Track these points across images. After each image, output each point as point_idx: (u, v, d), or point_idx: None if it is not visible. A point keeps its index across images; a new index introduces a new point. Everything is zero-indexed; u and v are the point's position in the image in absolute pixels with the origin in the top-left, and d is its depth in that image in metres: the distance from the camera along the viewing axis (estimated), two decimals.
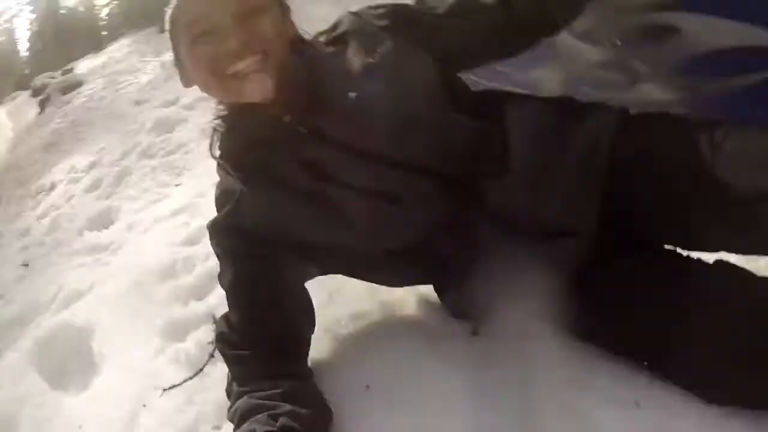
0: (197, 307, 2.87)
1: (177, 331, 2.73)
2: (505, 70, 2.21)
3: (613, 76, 2.06)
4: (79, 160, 8.55)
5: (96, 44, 22.66)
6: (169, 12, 1.76)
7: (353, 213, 1.74)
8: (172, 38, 1.79)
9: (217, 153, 1.86)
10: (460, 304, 1.96)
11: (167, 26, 1.80)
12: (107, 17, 28.87)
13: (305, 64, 1.78)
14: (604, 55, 2.06)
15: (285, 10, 1.79)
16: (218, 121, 1.85)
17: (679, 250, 1.70)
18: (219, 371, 2.23)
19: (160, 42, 13.50)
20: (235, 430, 1.64)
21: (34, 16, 34.74)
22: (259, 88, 1.66)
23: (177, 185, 5.55)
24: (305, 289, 1.93)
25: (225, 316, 1.87)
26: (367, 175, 1.71)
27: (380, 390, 1.82)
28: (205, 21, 1.65)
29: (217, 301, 2.71)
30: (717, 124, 1.61)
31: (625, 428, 1.54)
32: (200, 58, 1.68)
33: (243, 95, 1.68)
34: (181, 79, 1.84)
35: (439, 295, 2.03)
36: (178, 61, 1.82)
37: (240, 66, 1.64)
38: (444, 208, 1.76)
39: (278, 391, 1.68)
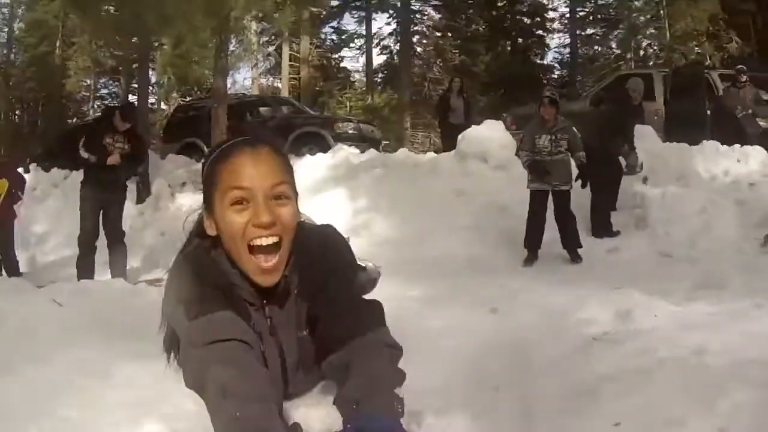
0: None
1: None
2: None
3: None
4: None
5: None
6: (209, 160, 2.21)
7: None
8: (206, 185, 2.21)
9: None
10: None
11: (204, 170, 2.23)
12: None
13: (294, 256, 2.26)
14: None
15: (297, 197, 2.24)
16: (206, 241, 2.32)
17: None
18: None
19: None
20: None
21: None
22: (271, 280, 2.17)
23: None
24: None
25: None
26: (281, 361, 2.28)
27: None
28: (245, 192, 2.09)
29: None
30: None
31: None
32: (234, 221, 2.10)
33: (256, 277, 2.17)
34: (206, 225, 2.25)
35: None
36: (207, 207, 2.23)
37: (263, 241, 2.10)
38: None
39: None
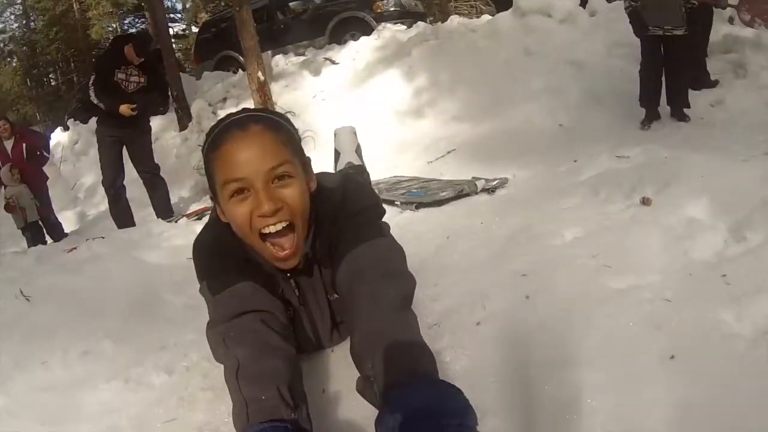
0: None
1: None
2: None
3: None
4: None
5: None
6: (204, 149, 2.08)
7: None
8: (208, 176, 2.08)
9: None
10: None
11: (201, 163, 2.15)
12: None
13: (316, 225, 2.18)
14: None
15: (307, 166, 2.13)
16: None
17: None
18: None
19: None
20: None
21: None
22: (290, 264, 2.11)
23: None
24: None
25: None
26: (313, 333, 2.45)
27: None
28: (241, 182, 1.96)
29: None
30: None
31: None
32: (236, 214, 2.00)
33: (280, 262, 2.10)
34: (218, 212, 2.13)
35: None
36: (214, 196, 2.10)
37: (271, 229, 2.00)
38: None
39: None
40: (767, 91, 8.45)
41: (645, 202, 3.33)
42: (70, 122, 17.37)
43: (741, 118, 7.61)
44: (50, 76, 41.42)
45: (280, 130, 2.06)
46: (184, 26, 39.08)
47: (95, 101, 8.16)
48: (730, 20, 9.90)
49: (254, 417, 1.80)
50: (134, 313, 3.53)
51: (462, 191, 5.33)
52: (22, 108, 39.43)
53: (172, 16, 38.30)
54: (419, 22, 13.69)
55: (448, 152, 8.17)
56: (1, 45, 41.74)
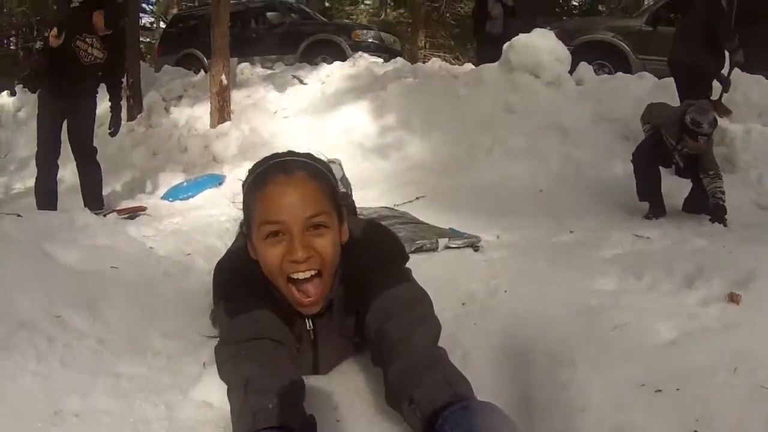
0: None
1: None
2: None
3: None
4: None
5: None
6: (246, 185, 2.14)
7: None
8: (246, 212, 2.14)
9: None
10: None
11: (242, 197, 2.16)
12: None
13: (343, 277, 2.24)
14: None
15: (342, 216, 2.17)
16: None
17: None
18: None
19: None
20: None
21: None
22: (312, 311, 2.17)
23: None
24: None
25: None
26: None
27: None
28: (278, 226, 2.02)
29: None
30: None
31: None
32: (268, 255, 2.05)
33: (303, 307, 2.15)
34: (249, 248, 2.17)
35: None
36: (248, 232, 2.15)
37: (300, 275, 2.05)
38: None
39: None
40: (753, 190, 8.13)
41: (734, 299, 2.66)
42: (18, 88, 16.61)
43: (736, 214, 7.04)
44: (11, 39, 40.36)
45: (322, 179, 2.12)
46: (153, 20, 38.44)
47: (38, 45, 7.42)
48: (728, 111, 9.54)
49: (261, 422, 1.76)
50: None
51: (423, 246, 4.77)
52: None
53: (143, 5, 37.91)
54: (398, 58, 13.33)
55: (417, 198, 7.54)
56: None
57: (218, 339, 2.21)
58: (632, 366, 1.99)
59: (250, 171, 2.18)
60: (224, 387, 1.98)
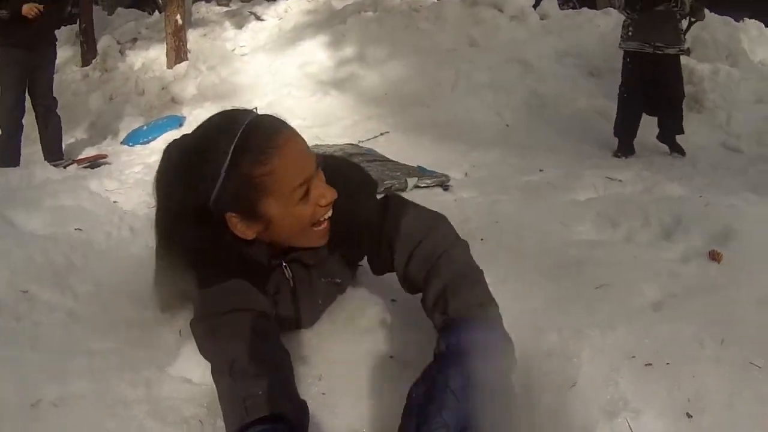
0: None
1: None
2: None
3: None
4: None
5: None
6: (238, 168, 1.84)
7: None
8: (243, 191, 1.86)
9: None
10: None
11: (231, 179, 1.87)
12: None
13: None
14: None
15: None
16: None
17: None
18: None
19: None
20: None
21: None
22: (324, 240, 2.05)
23: None
24: None
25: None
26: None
27: None
28: (307, 183, 1.88)
29: None
30: None
31: None
32: (305, 215, 1.91)
33: (317, 243, 2.04)
34: (240, 228, 1.92)
35: None
36: (244, 215, 1.90)
37: (328, 214, 1.97)
38: None
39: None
40: (721, 131, 8.14)
41: (715, 257, 2.58)
42: None
43: (701, 154, 7.18)
44: None
45: None
46: None
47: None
48: (688, 51, 9.45)
49: (253, 411, 1.67)
50: None
51: (391, 187, 4.55)
52: None
53: None
54: None
55: (381, 134, 7.42)
56: None
57: (192, 312, 2.04)
58: (620, 334, 1.88)
59: (238, 148, 1.85)
60: (204, 361, 1.89)
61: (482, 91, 8.66)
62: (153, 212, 2.07)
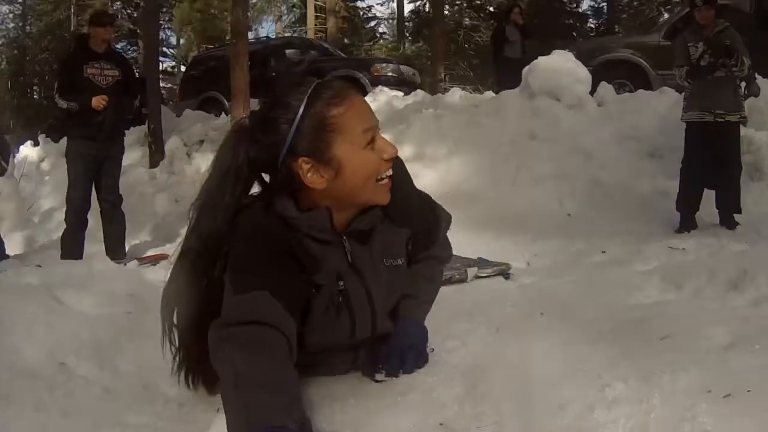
0: None
1: None
2: None
3: None
4: None
5: None
6: (316, 105, 1.99)
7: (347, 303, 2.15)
8: (317, 131, 1.99)
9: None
10: None
11: (308, 116, 2.00)
12: None
13: None
14: None
15: None
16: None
17: None
18: None
19: None
20: None
21: None
22: (388, 195, 2.11)
23: None
24: None
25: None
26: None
27: None
28: (374, 131, 2.02)
29: None
30: None
31: None
32: (371, 161, 2.02)
33: (382, 200, 2.10)
34: (309, 178, 2.00)
35: None
36: (314, 156, 1.99)
37: (390, 172, 2.07)
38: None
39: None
40: None
41: None
42: (41, 138, 16.75)
43: (766, 222, 6.99)
44: (34, 88, 40.66)
45: None
46: (174, 63, 39.13)
47: (63, 105, 7.35)
48: (745, 120, 9.38)
49: (256, 424, 1.64)
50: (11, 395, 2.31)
51: (451, 278, 4.51)
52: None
53: (164, 50, 38.84)
54: (418, 90, 13.26)
55: None
56: None
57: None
58: (692, 374, 1.83)
59: (315, 90, 2.04)
60: None
61: (544, 183, 8.67)
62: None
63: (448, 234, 2.63)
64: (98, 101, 7.20)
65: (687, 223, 7.05)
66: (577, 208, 8.16)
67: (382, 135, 2.08)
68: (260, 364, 1.78)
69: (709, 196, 7.17)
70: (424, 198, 2.43)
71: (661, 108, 9.71)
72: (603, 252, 5.37)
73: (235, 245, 2.06)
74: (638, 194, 8.13)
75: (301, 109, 1.99)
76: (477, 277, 4.70)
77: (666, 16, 20.48)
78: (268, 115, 2.05)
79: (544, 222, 7.56)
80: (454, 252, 5.19)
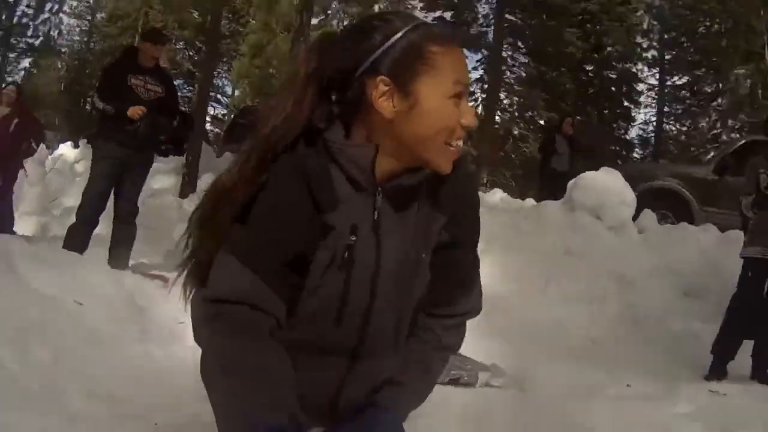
0: None
1: None
2: None
3: None
4: None
5: None
6: (412, 32, 1.81)
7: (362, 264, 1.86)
8: (405, 56, 1.80)
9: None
10: None
11: (401, 40, 1.82)
12: None
13: None
14: None
15: None
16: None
17: None
18: None
19: None
20: None
21: None
22: (450, 168, 1.85)
23: None
24: None
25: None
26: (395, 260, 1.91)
27: None
28: (464, 89, 1.82)
29: None
30: None
31: None
32: (451, 115, 1.80)
33: (443, 165, 1.84)
34: (381, 101, 1.80)
35: None
36: (403, 85, 1.80)
37: (460, 143, 1.85)
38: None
39: None
40: None
41: None
42: (81, 142, 17.30)
43: None
44: (87, 99, 41.90)
45: None
46: (225, 111, 40.76)
47: (99, 105, 7.27)
48: None
49: (250, 418, 1.57)
50: None
51: (459, 378, 4.38)
52: (51, 116, 40.18)
53: (218, 97, 40.69)
54: None
55: None
56: (62, 49, 44.29)
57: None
58: None
59: (415, 24, 1.85)
60: None
61: (572, 301, 8.42)
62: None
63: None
64: (134, 111, 7.14)
65: (718, 370, 6.44)
66: (602, 334, 7.85)
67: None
68: (251, 350, 1.70)
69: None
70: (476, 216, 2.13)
71: (704, 245, 9.52)
72: (628, 386, 5.09)
73: (264, 188, 1.86)
74: (669, 331, 7.81)
75: (403, 31, 1.81)
76: (488, 384, 4.51)
77: (712, 154, 20.34)
78: (365, 25, 1.86)
79: (566, 343, 7.30)
80: (468, 353, 4.97)
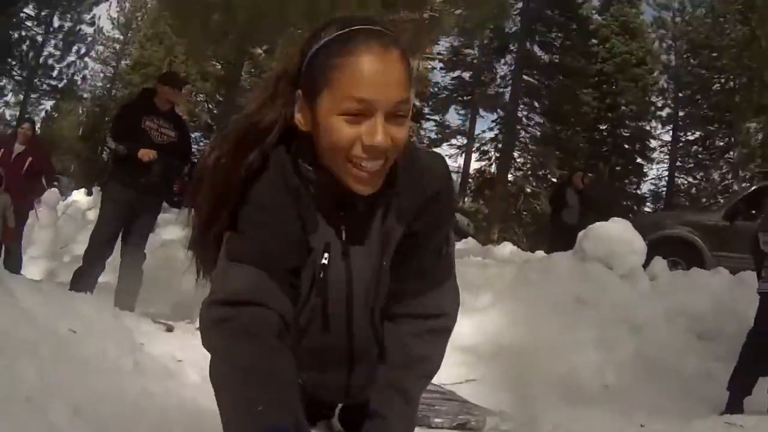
0: None
1: None
2: None
3: None
4: None
5: None
6: (320, 45, 1.82)
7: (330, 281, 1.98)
8: (312, 71, 1.83)
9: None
10: None
11: (311, 53, 1.84)
12: None
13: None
14: None
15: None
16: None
17: None
18: None
19: None
20: None
21: None
22: (367, 191, 1.85)
23: None
24: None
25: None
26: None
27: None
28: (363, 104, 1.74)
29: None
30: None
31: None
32: (342, 135, 1.77)
33: (354, 186, 1.82)
34: (297, 116, 1.88)
35: None
36: (306, 95, 1.84)
37: (368, 165, 1.78)
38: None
39: None
40: None
41: None
42: (95, 189, 17.60)
43: None
44: (104, 148, 43.04)
45: (410, 62, 1.87)
46: None
47: (112, 145, 7.37)
48: None
49: (256, 414, 1.60)
50: None
51: (466, 423, 4.20)
52: (67, 161, 40.82)
53: None
54: (469, 238, 13.38)
55: (467, 381, 7.05)
56: (84, 94, 44.69)
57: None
58: None
59: (332, 28, 1.85)
60: None
61: (584, 350, 8.31)
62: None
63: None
64: (145, 153, 7.13)
65: (734, 406, 6.40)
66: (616, 380, 7.77)
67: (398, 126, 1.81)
68: (257, 353, 1.73)
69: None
70: (451, 207, 2.21)
71: (715, 288, 9.46)
72: (642, 426, 5.00)
73: (254, 185, 1.91)
74: (683, 374, 7.78)
75: (322, 41, 1.83)
76: (496, 429, 4.36)
77: (722, 202, 20.33)
78: (314, 29, 1.89)
79: (581, 389, 7.27)
80: (478, 402, 4.90)
